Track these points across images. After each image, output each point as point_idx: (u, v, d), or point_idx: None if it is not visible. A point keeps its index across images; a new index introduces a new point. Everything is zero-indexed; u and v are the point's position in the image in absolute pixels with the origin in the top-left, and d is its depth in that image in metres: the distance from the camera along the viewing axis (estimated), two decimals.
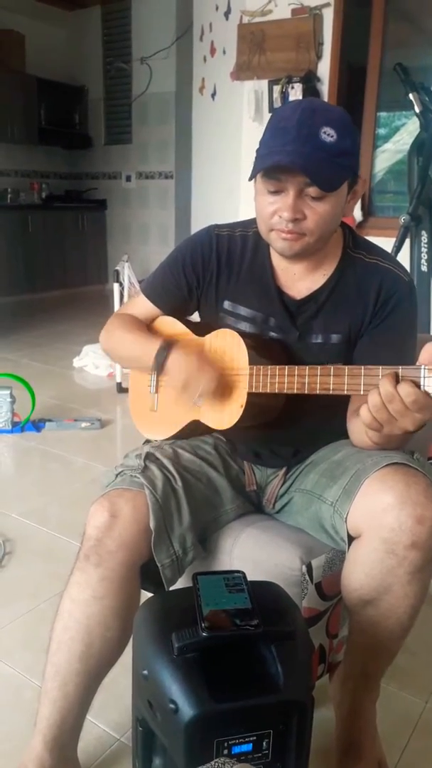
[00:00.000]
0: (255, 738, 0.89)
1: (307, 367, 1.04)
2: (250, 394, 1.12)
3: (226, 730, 0.87)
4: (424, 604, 1.11)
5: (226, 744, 0.87)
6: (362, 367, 0.98)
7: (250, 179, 1.10)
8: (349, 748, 1.21)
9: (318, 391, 1.02)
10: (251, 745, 0.89)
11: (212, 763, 0.64)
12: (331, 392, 1.01)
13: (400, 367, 0.93)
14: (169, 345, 1.21)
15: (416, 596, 1.05)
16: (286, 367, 1.07)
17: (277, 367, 1.08)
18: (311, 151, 1.01)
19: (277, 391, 1.08)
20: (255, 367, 1.11)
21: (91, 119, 6.94)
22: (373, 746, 1.22)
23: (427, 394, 0.91)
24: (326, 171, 1.03)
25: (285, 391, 1.07)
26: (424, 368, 0.90)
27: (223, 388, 1.17)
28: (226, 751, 0.87)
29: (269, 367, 1.09)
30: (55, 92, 6.54)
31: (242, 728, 0.88)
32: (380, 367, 0.95)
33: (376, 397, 0.95)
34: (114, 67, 6.57)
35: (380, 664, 1.18)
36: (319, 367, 1.03)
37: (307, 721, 0.93)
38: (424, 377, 0.90)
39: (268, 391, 1.09)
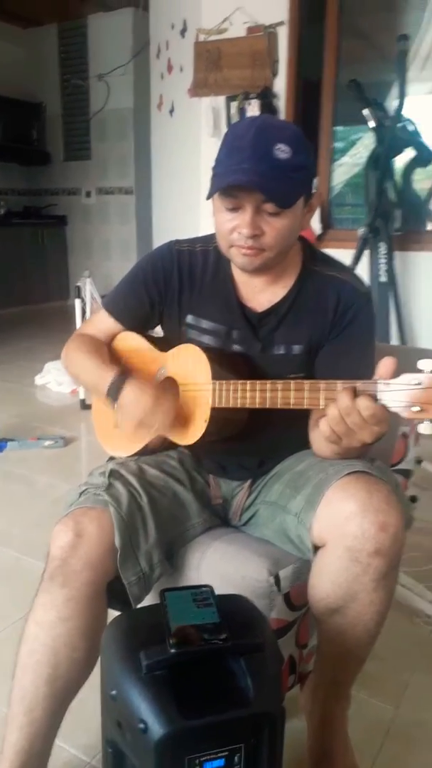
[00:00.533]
0: (227, 753, 0.88)
1: (268, 382, 1.05)
2: (213, 409, 1.12)
3: (197, 746, 0.86)
4: (390, 610, 1.12)
5: (197, 761, 0.86)
6: (321, 381, 0.99)
7: (208, 198, 1.12)
8: (322, 757, 1.21)
9: (279, 405, 1.03)
10: (223, 760, 0.88)
11: None
12: (291, 406, 1.02)
13: (358, 381, 0.95)
14: (122, 379, 1.19)
15: (382, 603, 1.06)
16: (248, 382, 1.08)
17: (239, 382, 1.09)
18: (266, 169, 1.03)
19: (239, 405, 1.09)
20: (218, 382, 1.12)
21: (50, 135, 6.92)
22: (346, 754, 1.22)
23: (384, 407, 0.92)
24: (282, 188, 1.05)
25: (247, 405, 1.07)
26: (381, 382, 0.92)
27: (186, 404, 1.18)
28: None
29: (231, 382, 1.10)
30: (13, 109, 6.51)
31: (213, 744, 0.87)
32: (339, 382, 0.97)
33: (334, 410, 0.96)
34: (71, 84, 6.57)
35: (350, 671, 1.18)
36: (280, 381, 1.04)
37: (279, 732, 0.93)
38: (381, 391, 0.92)
39: (231, 405, 1.10)
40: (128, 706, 0.87)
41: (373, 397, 0.93)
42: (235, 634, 0.90)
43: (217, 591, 0.99)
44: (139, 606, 1.13)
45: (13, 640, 1.17)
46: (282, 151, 1.04)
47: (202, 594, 0.97)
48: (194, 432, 1.16)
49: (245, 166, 1.03)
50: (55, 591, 1.06)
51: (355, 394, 0.94)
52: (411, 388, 0.88)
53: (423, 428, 0.88)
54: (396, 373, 0.91)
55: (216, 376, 1.13)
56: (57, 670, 1.08)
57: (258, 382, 1.06)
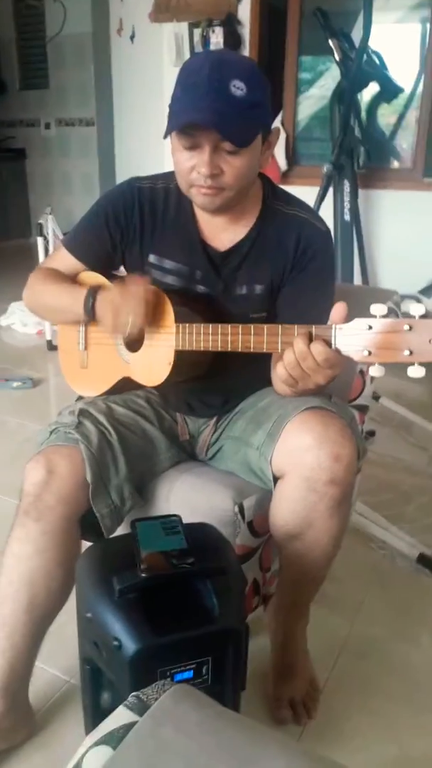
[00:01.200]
0: (195, 665, 0.97)
1: (229, 326, 1.08)
2: (177, 352, 1.15)
3: (168, 660, 0.94)
4: (347, 535, 1.21)
5: (168, 673, 0.95)
6: (279, 326, 1.02)
7: (165, 137, 1.11)
8: (283, 670, 1.31)
9: (240, 349, 1.07)
10: (192, 672, 0.97)
11: (154, 685, 0.70)
12: (252, 350, 1.05)
13: (314, 327, 0.98)
14: (95, 289, 1.21)
15: (338, 528, 1.13)
16: (210, 325, 1.10)
17: (202, 325, 1.11)
18: (223, 107, 1.03)
19: (202, 348, 1.11)
20: (181, 326, 1.14)
21: (4, 62, 6.55)
22: (305, 667, 1.33)
23: (337, 352, 0.96)
24: (239, 126, 1.05)
25: (210, 348, 1.10)
26: (335, 327, 0.95)
27: (151, 347, 1.20)
28: (168, 679, 0.94)
29: (194, 325, 1.12)
30: None
31: (182, 657, 0.96)
32: (296, 326, 1.00)
33: (290, 355, 0.99)
34: (24, 5, 6.19)
35: (309, 592, 1.27)
36: (240, 326, 1.06)
37: (242, 647, 1.02)
38: (335, 336, 0.95)
39: (194, 348, 1.12)
40: (103, 627, 0.94)
41: (327, 342, 0.96)
42: (202, 558, 0.97)
43: (186, 520, 1.05)
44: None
45: None
46: (238, 88, 1.03)
47: (170, 523, 1.03)
48: (159, 374, 1.19)
49: (201, 105, 1.03)
50: (30, 525, 1.11)
51: (311, 339, 0.97)
52: (363, 332, 0.92)
53: (373, 371, 0.92)
54: (349, 317, 0.95)
55: (179, 318, 1.15)
56: (35, 599, 1.14)
57: (220, 325, 1.09)
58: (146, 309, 1.14)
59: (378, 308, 0.90)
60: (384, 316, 0.90)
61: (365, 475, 2.01)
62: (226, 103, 1.03)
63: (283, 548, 1.20)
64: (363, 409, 1.53)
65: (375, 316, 0.91)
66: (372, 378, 1.53)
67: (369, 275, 3.65)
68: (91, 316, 1.21)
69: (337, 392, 1.25)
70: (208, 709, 0.67)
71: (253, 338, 1.05)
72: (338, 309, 0.96)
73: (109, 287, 1.23)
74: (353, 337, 0.93)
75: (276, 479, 1.16)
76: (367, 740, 1.26)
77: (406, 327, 0.89)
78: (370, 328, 0.91)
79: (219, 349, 1.09)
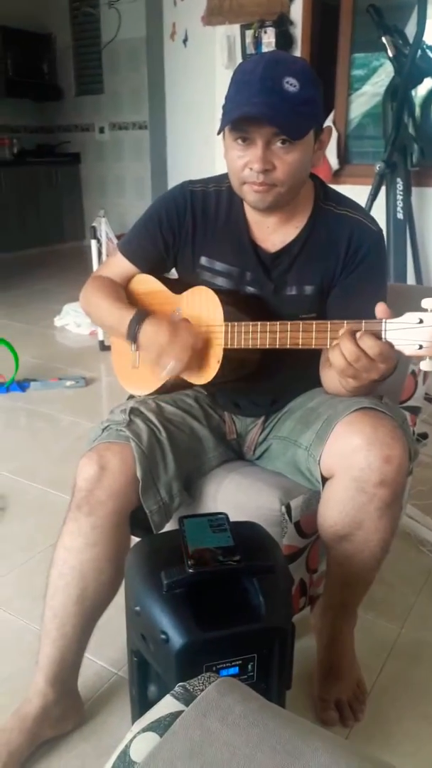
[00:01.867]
0: (241, 662, 0.97)
1: (278, 323, 1.08)
2: (226, 350, 1.17)
3: (214, 655, 0.95)
4: (396, 539, 1.19)
5: (214, 668, 0.96)
6: (328, 322, 1.02)
7: (219, 133, 1.13)
8: (329, 670, 1.31)
9: (288, 346, 1.07)
10: (237, 668, 0.98)
11: (200, 677, 0.71)
12: (301, 347, 1.06)
13: (363, 321, 0.97)
14: (141, 318, 1.23)
15: (387, 530, 1.12)
16: (259, 323, 1.11)
17: (251, 323, 1.12)
18: (276, 101, 1.04)
19: (250, 346, 1.12)
20: (230, 324, 1.15)
21: (60, 69, 6.71)
22: (352, 668, 1.32)
23: (389, 344, 0.95)
24: (291, 120, 1.05)
25: (258, 346, 1.11)
26: (385, 321, 0.94)
27: (199, 348, 1.22)
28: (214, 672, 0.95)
29: (243, 323, 1.13)
30: (22, 41, 6.30)
31: (228, 653, 0.96)
32: (345, 322, 1.00)
33: (340, 359, 0.99)
34: (81, 12, 6.33)
35: (357, 593, 1.26)
36: (289, 322, 1.07)
37: (288, 645, 1.02)
38: (385, 330, 0.95)
39: (242, 346, 1.13)
40: (151, 620, 0.96)
41: (377, 335, 0.96)
42: (248, 556, 0.98)
43: (233, 519, 1.06)
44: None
45: (43, 565, 1.26)
46: (291, 84, 1.04)
47: (217, 520, 1.04)
48: (208, 372, 1.21)
49: (255, 100, 1.05)
50: (82, 519, 1.14)
51: (355, 336, 0.97)
52: (414, 326, 0.91)
53: (424, 365, 0.91)
54: (399, 313, 0.94)
55: (228, 318, 1.16)
56: (85, 591, 1.17)
57: (268, 323, 1.10)
58: (190, 358, 1.17)
59: (429, 302, 0.89)
60: None
61: (417, 478, 1.98)
62: (279, 98, 1.04)
63: (332, 549, 1.19)
64: (415, 410, 1.51)
65: (426, 310, 0.89)
66: (426, 376, 1.51)
67: (422, 274, 3.58)
68: (132, 340, 1.25)
69: (389, 393, 1.24)
70: (253, 702, 0.68)
71: (302, 334, 1.05)
72: (379, 308, 0.95)
73: (157, 319, 1.23)
74: (404, 331, 0.92)
75: (324, 480, 1.16)
76: (417, 745, 1.24)
77: None
78: (421, 321, 0.90)
79: (267, 346, 1.10)
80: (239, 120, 1.07)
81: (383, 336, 0.95)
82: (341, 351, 0.98)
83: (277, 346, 1.09)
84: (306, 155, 1.12)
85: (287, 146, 1.08)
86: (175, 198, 1.29)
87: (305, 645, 1.36)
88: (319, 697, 1.29)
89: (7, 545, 1.86)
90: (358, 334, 0.97)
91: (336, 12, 3.79)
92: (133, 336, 1.24)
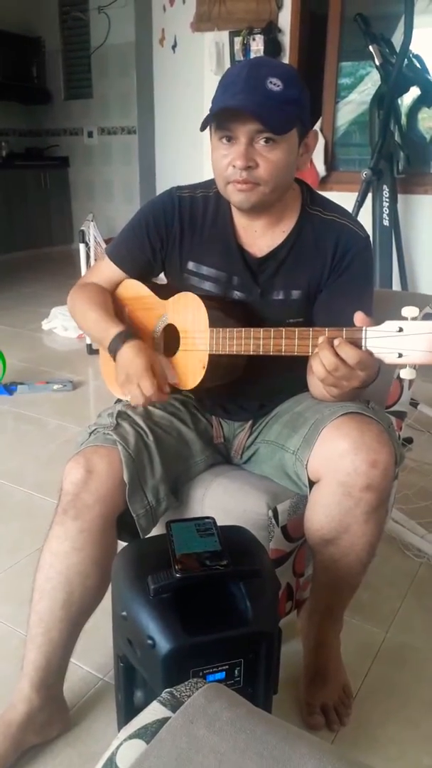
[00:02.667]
0: (227, 667, 0.97)
1: (262, 330, 1.09)
2: (211, 356, 1.17)
3: (201, 660, 0.95)
4: (382, 543, 1.20)
5: (201, 673, 0.96)
6: (311, 329, 1.02)
7: (202, 129, 1.13)
8: (315, 675, 1.31)
9: (272, 353, 1.08)
10: (224, 673, 0.98)
11: (187, 682, 0.71)
12: (284, 353, 1.06)
13: (344, 329, 0.97)
14: (123, 339, 1.24)
15: (373, 534, 1.13)
16: (243, 330, 1.11)
17: (235, 330, 1.13)
18: (259, 98, 1.06)
19: (235, 352, 1.13)
20: (215, 330, 1.16)
21: (50, 72, 6.71)
22: (338, 673, 1.33)
23: (369, 352, 0.95)
24: (274, 115, 1.07)
25: (242, 352, 1.12)
26: (365, 329, 0.94)
27: (185, 351, 1.22)
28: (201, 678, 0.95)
29: (227, 329, 1.14)
30: (11, 44, 6.29)
31: (215, 658, 0.96)
32: (326, 330, 0.99)
33: (320, 368, 0.99)
34: (71, 17, 6.33)
35: (343, 597, 1.27)
36: (272, 329, 1.07)
37: (275, 650, 1.02)
38: (365, 338, 0.94)
39: (227, 352, 1.14)
40: (138, 625, 0.96)
41: (356, 344, 0.95)
42: (235, 560, 0.98)
43: (220, 523, 1.06)
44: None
45: (28, 569, 1.26)
46: (274, 84, 1.06)
47: (204, 525, 1.05)
48: (194, 377, 1.21)
49: (238, 96, 1.06)
50: (69, 523, 1.14)
51: (334, 345, 0.96)
52: (393, 335, 0.91)
53: (405, 373, 0.91)
54: (383, 319, 0.94)
55: (215, 323, 1.17)
56: (71, 596, 1.16)
57: (252, 330, 1.10)
58: (152, 395, 1.18)
59: (410, 311, 0.89)
60: (415, 319, 0.90)
61: (402, 482, 1.99)
62: (262, 95, 1.06)
63: (318, 553, 1.20)
64: (400, 415, 1.51)
65: (406, 319, 0.90)
66: (410, 384, 1.52)
67: (408, 280, 3.61)
68: (113, 356, 1.25)
69: (375, 398, 1.25)
70: (240, 708, 0.68)
71: (284, 341, 1.05)
72: (358, 317, 0.95)
73: (138, 346, 1.23)
74: (384, 339, 0.92)
75: (312, 484, 1.16)
76: (401, 749, 1.24)
77: None
78: (401, 330, 0.90)
79: (251, 352, 1.10)
80: (222, 114, 1.08)
81: (363, 344, 0.95)
82: (320, 360, 0.98)
83: (261, 353, 1.09)
84: (290, 156, 1.12)
85: (270, 144, 1.09)
86: (164, 203, 1.29)
87: (292, 649, 1.36)
88: (305, 702, 1.29)
89: None
90: (336, 342, 0.97)
91: (324, 20, 3.83)
92: (113, 352, 1.25)
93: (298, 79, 1.11)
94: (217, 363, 1.18)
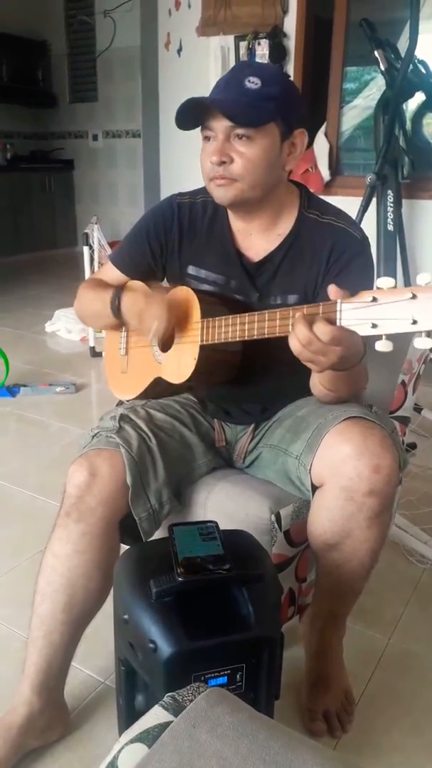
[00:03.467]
0: (229, 671, 0.97)
1: (246, 315, 1.09)
2: (203, 347, 1.17)
3: (202, 665, 0.95)
4: (385, 548, 1.20)
5: (202, 678, 0.95)
6: (291, 309, 1.00)
7: (178, 124, 1.15)
8: (318, 681, 1.30)
9: (256, 336, 1.07)
10: (226, 678, 0.97)
11: (189, 687, 0.71)
12: (266, 335, 1.05)
13: (321, 304, 0.95)
14: (119, 292, 1.27)
15: (376, 539, 1.13)
16: (230, 317, 1.12)
17: (223, 318, 1.13)
18: (232, 95, 1.09)
19: (224, 339, 1.13)
20: (205, 320, 1.16)
21: (55, 76, 6.72)
22: (340, 678, 1.32)
23: (342, 328, 0.91)
24: (245, 109, 1.09)
25: (230, 338, 1.12)
26: (340, 302, 0.90)
27: (179, 343, 1.23)
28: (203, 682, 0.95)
29: (216, 318, 1.14)
30: (17, 47, 6.31)
31: (217, 663, 0.96)
32: (305, 307, 0.97)
33: (294, 341, 0.96)
34: (77, 21, 6.35)
35: (346, 603, 1.26)
36: (256, 313, 1.07)
37: (277, 655, 1.02)
38: (340, 311, 0.90)
39: (216, 340, 1.14)
40: (139, 629, 0.95)
41: (330, 321, 0.92)
42: (238, 565, 0.98)
43: (222, 527, 1.06)
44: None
45: (30, 572, 1.25)
46: (252, 82, 1.09)
47: (207, 528, 1.04)
48: (185, 370, 1.21)
49: (216, 96, 1.10)
50: (71, 526, 1.13)
51: (311, 322, 0.94)
52: (367, 305, 0.87)
53: (380, 345, 0.86)
54: (354, 294, 0.90)
55: (206, 315, 1.17)
56: (73, 599, 1.16)
57: (238, 315, 1.10)
58: (169, 313, 1.19)
59: (385, 281, 0.86)
60: (391, 289, 0.86)
61: (405, 488, 1.99)
62: (236, 93, 1.09)
63: (321, 558, 1.19)
64: (404, 420, 1.51)
65: (382, 289, 0.86)
66: (416, 386, 1.51)
67: (411, 284, 3.61)
68: (117, 317, 1.28)
69: (378, 403, 1.24)
70: (243, 713, 0.67)
71: (267, 323, 1.05)
72: (332, 288, 0.92)
73: (134, 289, 1.27)
74: (357, 311, 0.88)
75: (314, 489, 1.16)
76: (404, 756, 1.24)
77: (410, 295, 0.83)
78: (374, 299, 0.86)
79: (238, 338, 1.10)
80: (197, 112, 1.11)
81: (338, 316, 0.91)
82: (295, 335, 0.96)
83: (246, 337, 1.09)
84: (268, 152, 1.13)
85: (245, 140, 1.11)
86: (163, 211, 1.31)
87: (294, 655, 1.36)
88: (307, 708, 1.29)
89: None
90: (308, 320, 0.94)
91: (329, 25, 3.84)
92: (115, 310, 1.27)
93: (281, 78, 1.14)
94: (208, 356, 1.18)
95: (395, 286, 0.86)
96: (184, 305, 1.22)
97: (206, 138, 1.15)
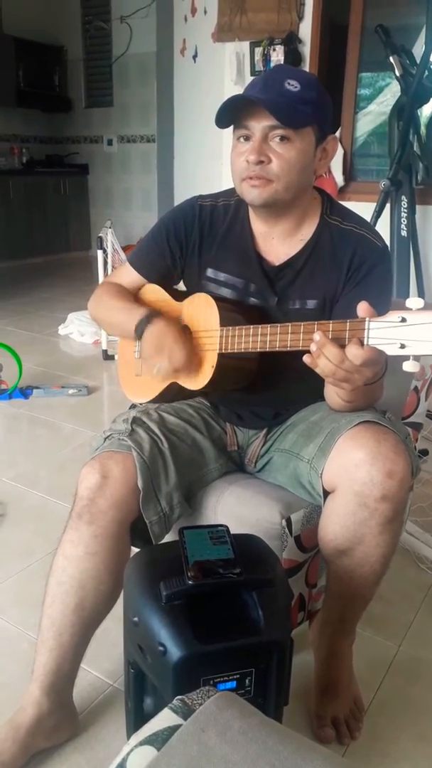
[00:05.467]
0: (238, 676, 0.97)
1: (269, 326, 1.09)
2: (221, 355, 1.17)
3: (212, 668, 0.95)
4: (396, 555, 1.19)
5: (211, 682, 0.95)
6: (315, 323, 1.01)
7: (218, 123, 1.14)
8: (327, 687, 1.30)
9: (278, 348, 1.07)
10: (235, 682, 0.97)
11: (198, 690, 0.71)
12: (289, 348, 1.05)
13: (348, 321, 0.95)
14: (150, 317, 1.25)
15: (387, 546, 1.12)
16: (251, 327, 1.12)
17: (244, 327, 1.13)
18: (274, 95, 1.09)
19: (243, 350, 1.13)
20: (225, 329, 1.16)
21: (71, 81, 6.78)
22: (350, 685, 1.31)
23: (373, 349, 0.93)
24: (288, 111, 1.09)
25: (250, 349, 1.12)
26: (368, 320, 0.92)
27: (197, 350, 1.23)
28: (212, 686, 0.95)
29: (237, 328, 1.14)
30: (34, 52, 6.36)
31: (226, 667, 0.96)
32: (330, 322, 0.98)
33: (327, 363, 0.97)
34: (93, 26, 6.40)
35: (356, 609, 1.25)
36: (279, 325, 1.07)
37: (287, 660, 1.01)
38: (368, 329, 0.92)
39: (236, 350, 1.14)
40: (149, 631, 0.95)
41: (361, 342, 0.94)
42: (248, 569, 0.97)
43: (233, 531, 1.06)
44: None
45: (41, 573, 1.26)
46: (292, 85, 1.10)
47: (218, 532, 1.04)
48: (203, 377, 1.21)
49: (255, 95, 1.09)
50: (83, 528, 1.14)
51: (341, 344, 0.95)
52: (396, 325, 0.89)
53: (407, 366, 0.88)
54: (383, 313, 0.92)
55: (225, 323, 1.17)
56: (83, 601, 1.16)
57: (260, 326, 1.10)
58: (183, 364, 1.20)
59: (414, 302, 0.87)
60: (420, 310, 0.87)
61: (417, 494, 1.97)
62: (278, 93, 1.09)
63: (332, 563, 1.19)
64: (417, 426, 1.50)
65: (411, 309, 0.87)
66: (429, 393, 1.50)
67: (425, 291, 3.59)
68: (139, 336, 1.26)
69: (391, 409, 1.24)
70: (252, 718, 0.67)
71: (290, 336, 1.05)
72: (362, 306, 0.92)
73: (167, 320, 1.25)
74: (386, 330, 0.90)
75: (326, 494, 1.15)
76: (413, 764, 1.23)
77: None
78: (404, 320, 0.88)
79: (258, 349, 1.10)
80: (237, 109, 1.11)
81: (366, 335, 0.92)
82: (325, 356, 0.97)
83: (267, 349, 1.09)
84: (304, 156, 1.13)
85: (284, 142, 1.11)
86: (184, 212, 1.31)
87: (303, 660, 1.35)
88: (315, 714, 1.28)
89: (6, 552, 1.86)
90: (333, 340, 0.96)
91: (344, 31, 3.83)
92: (140, 331, 1.25)
93: (318, 84, 1.13)
94: (226, 364, 1.18)
95: (424, 307, 0.87)
96: (202, 311, 1.22)
97: (241, 137, 1.14)
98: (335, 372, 0.98)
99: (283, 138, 1.10)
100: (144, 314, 1.26)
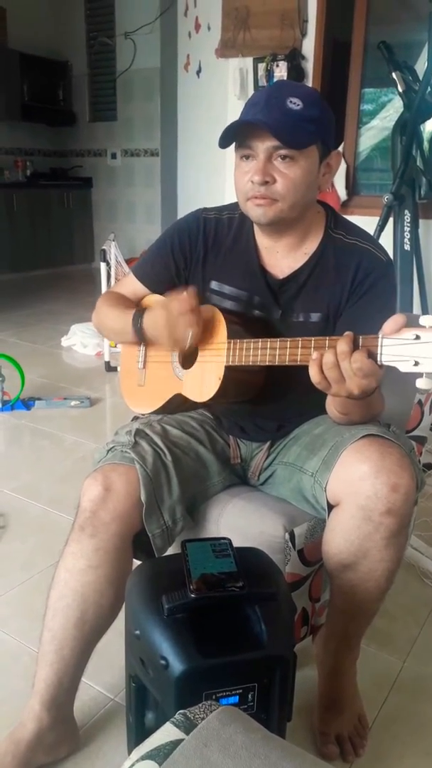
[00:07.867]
0: (241, 691, 0.96)
1: (278, 340, 1.08)
2: (228, 368, 1.17)
3: (214, 683, 0.94)
4: (400, 570, 1.18)
5: (214, 696, 0.94)
6: (327, 338, 1.01)
7: (221, 145, 1.15)
8: (331, 703, 1.28)
9: (287, 362, 1.07)
10: (237, 697, 0.96)
11: (201, 704, 0.70)
12: (299, 363, 1.05)
13: (360, 337, 0.96)
14: (141, 311, 1.27)
15: (392, 560, 1.11)
16: (260, 340, 1.11)
17: (252, 340, 1.13)
18: (277, 115, 1.08)
19: (251, 363, 1.12)
20: (232, 341, 1.16)
21: (76, 95, 6.86)
22: (354, 701, 1.30)
23: (372, 363, 0.93)
24: (291, 131, 1.08)
25: (258, 362, 1.11)
26: (382, 337, 0.92)
27: (203, 363, 1.23)
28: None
29: (245, 341, 1.14)
30: (39, 67, 6.44)
31: (229, 681, 0.95)
32: (344, 338, 0.97)
33: (330, 356, 0.97)
34: (98, 42, 6.48)
35: (360, 624, 1.24)
36: (289, 339, 1.07)
37: (290, 675, 1.00)
38: (381, 345, 0.93)
39: (244, 363, 1.14)
40: (151, 645, 0.95)
41: (369, 352, 0.94)
42: (251, 583, 0.97)
43: (236, 545, 1.05)
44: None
45: (42, 586, 1.25)
46: (294, 103, 1.09)
47: (220, 545, 1.04)
48: (209, 389, 1.21)
49: (258, 115, 1.09)
50: (85, 541, 1.13)
51: (356, 345, 0.96)
52: (410, 342, 0.89)
53: (421, 383, 0.88)
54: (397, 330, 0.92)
55: (232, 335, 1.17)
56: (85, 615, 1.15)
57: (269, 340, 1.10)
58: (198, 316, 1.18)
59: (428, 319, 0.87)
60: None
61: (421, 509, 1.96)
62: (281, 113, 1.08)
63: (336, 578, 1.18)
64: (421, 440, 1.50)
65: (424, 327, 0.88)
66: (431, 410, 1.50)
67: (428, 305, 3.59)
68: (140, 336, 1.27)
69: (395, 422, 1.23)
70: (255, 733, 0.66)
71: (300, 351, 1.04)
72: (394, 320, 0.92)
73: (154, 308, 1.26)
74: (400, 347, 0.90)
75: (330, 507, 1.15)
76: None
77: None
78: (418, 338, 0.88)
79: (267, 362, 1.10)
80: (241, 131, 1.11)
81: (379, 351, 0.93)
82: (334, 350, 0.97)
83: (277, 363, 1.08)
84: (309, 174, 1.13)
85: (288, 161, 1.11)
86: (189, 224, 1.31)
87: (306, 676, 1.34)
88: (319, 731, 1.27)
89: (7, 564, 1.85)
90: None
91: (347, 48, 3.87)
92: (139, 331, 1.26)
93: (320, 100, 1.13)
94: (233, 377, 1.18)
95: None
96: (209, 324, 1.22)
97: (244, 157, 1.14)
98: (331, 368, 0.98)
99: (286, 157, 1.10)
100: (135, 311, 1.28)
